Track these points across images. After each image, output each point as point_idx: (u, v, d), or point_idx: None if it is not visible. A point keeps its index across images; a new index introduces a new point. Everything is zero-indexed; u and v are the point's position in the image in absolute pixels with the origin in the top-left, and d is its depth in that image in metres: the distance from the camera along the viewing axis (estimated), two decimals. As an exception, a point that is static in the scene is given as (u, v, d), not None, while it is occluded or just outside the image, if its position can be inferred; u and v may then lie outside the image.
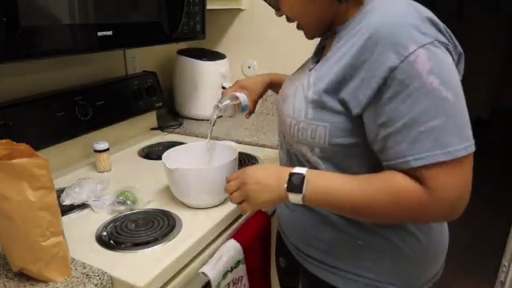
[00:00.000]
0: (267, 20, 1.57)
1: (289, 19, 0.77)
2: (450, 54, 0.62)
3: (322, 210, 0.75)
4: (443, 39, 0.61)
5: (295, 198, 0.68)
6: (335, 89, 0.66)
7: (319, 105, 0.68)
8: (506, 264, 1.46)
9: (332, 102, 0.66)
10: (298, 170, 0.69)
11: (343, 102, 0.65)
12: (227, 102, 0.98)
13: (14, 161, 0.61)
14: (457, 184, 0.59)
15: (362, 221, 0.71)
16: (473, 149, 0.59)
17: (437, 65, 0.58)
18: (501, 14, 4.32)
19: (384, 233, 0.72)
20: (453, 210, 0.60)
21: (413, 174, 0.60)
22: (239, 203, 0.77)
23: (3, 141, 0.66)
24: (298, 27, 0.78)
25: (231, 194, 0.78)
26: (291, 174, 0.69)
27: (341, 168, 0.70)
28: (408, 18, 0.60)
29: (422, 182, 0.60)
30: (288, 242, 0.88)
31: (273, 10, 0.79)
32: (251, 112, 1.05)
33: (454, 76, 0.60)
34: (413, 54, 0.58)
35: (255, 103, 1.05)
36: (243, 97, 1.01)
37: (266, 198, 0.72)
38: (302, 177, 0.67)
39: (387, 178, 0.63)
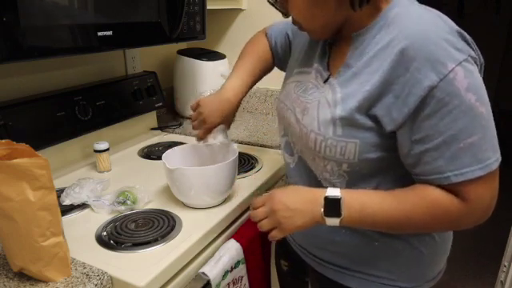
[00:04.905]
0: (267, 20, 1.57)
1: (295, 22, 0.75)
2: (477, 66, 0.62)
3: None
4: (473, 54, 0.61)
5: (333, 221, 0.66)
6: (367, 106, 0.64)
7: (349, 122, 0.66)
8: (506, 264, 1.45)
9: (363, 119, 0.65)
10: (331, 192, 0.67)
11: (375, 118, 0.64)
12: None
13: (14, 161, 0.61)
14: (490, 193, 0.62)
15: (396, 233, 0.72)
16: (500, 158, 0.61)
17: (472, 81, 0.58)
18: (501, 14, 4.32)
19: (401, 234, 0.72)
20: (486, 215, 0.63)
21: (450, 188, 0.61)
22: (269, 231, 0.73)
23: (3, 141, 0.66)
24: (301, 29, 0.75)
25: (259, 221, 0.73)
26: (326, 198, 0.66)
27: (364, 180, 0.70)
28: (440, 31, 0.59)
29: (459, 195, 0.61)
30: (296, 246, 0.87)
31: (272, 10, 0.78)
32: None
33: (484, 90, 0.61)
34: (452, 72, 0.57)
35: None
36: (224, 135, 0.99)
37: (299, 223, 0.68)
38: (338, 199, 0.65)
39: (423, 193, 0.63)
